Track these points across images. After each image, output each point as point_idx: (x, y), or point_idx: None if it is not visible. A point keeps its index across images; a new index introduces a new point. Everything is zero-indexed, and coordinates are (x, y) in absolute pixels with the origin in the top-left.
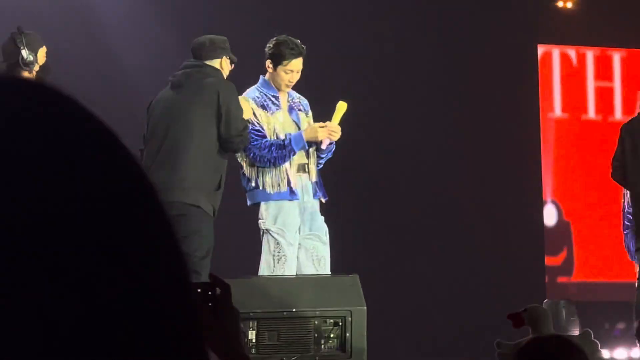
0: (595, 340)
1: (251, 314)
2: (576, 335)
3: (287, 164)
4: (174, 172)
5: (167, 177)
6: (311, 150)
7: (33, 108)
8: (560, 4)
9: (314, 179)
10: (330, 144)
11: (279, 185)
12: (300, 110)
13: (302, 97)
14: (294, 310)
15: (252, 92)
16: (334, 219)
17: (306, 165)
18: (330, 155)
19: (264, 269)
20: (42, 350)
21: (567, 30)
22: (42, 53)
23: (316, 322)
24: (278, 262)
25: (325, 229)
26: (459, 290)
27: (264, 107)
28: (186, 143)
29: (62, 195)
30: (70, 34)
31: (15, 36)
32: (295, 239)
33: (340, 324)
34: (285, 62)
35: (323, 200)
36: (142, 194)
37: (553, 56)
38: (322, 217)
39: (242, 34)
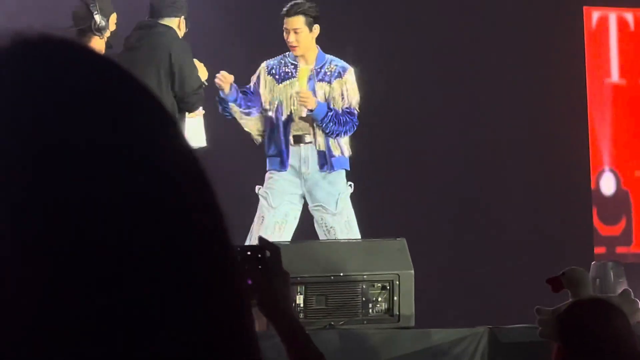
0: (636, 299)
1: (299, 278)
2: (615, 296)
3: (281, 136)
4: None
5: None
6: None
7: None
8: None
9: (322, 148)
10: (310, 110)
11: (273, 155)
12: (322, 80)
13: (340, 64)
14: (341, 274)
15: (275, 59)
16: (380, 181)
17: (305, 136)
18: (336, 124)
19: (250, 231)
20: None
21: None
22: (113, 19)
23: (364, 286)
24: (258, 223)
25: (334, 198)
26: (508, 259)
27: (273, 75)
28: None
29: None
30: None
31: (89, 1)
32: (281, 204)
33: (388, 287)
34: (285, 21)
35: (328, 174)
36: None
37: (610, 20)
38: (336, 186)
39: None
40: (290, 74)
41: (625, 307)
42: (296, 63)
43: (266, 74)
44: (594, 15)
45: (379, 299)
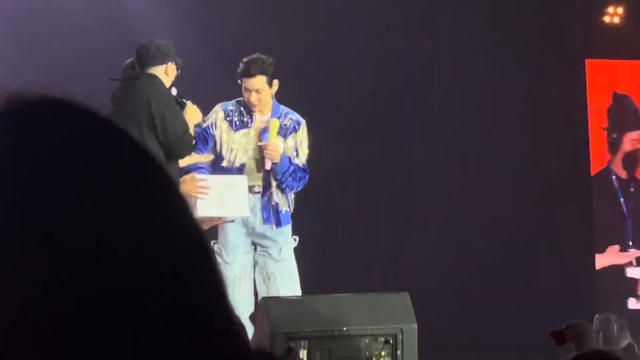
0: (639, 352)
1: (302, 333)
2: (619, 349)
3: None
4: None
5: None
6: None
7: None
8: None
9: (272, 203)
10: (275, 164)
11: None
12: (278, 134)
13: (295, 118)
14: (344, 329)
15: (232, 104)
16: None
17: (257, 186)
18: (293, 180)
19: None
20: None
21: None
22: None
23: (367, 341)
24: None
25: (278, 246)
26: (512, 306)
27: (230, 122)
28: None
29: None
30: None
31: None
32: (236, 257)
33: (392, 342)
34: (242, 80)
35: (274, 228)
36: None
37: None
38: (283, 235)
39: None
40: (246, 123)
41: None
42: (252, 112)
43: (223, 120)
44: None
45: (383, 353)
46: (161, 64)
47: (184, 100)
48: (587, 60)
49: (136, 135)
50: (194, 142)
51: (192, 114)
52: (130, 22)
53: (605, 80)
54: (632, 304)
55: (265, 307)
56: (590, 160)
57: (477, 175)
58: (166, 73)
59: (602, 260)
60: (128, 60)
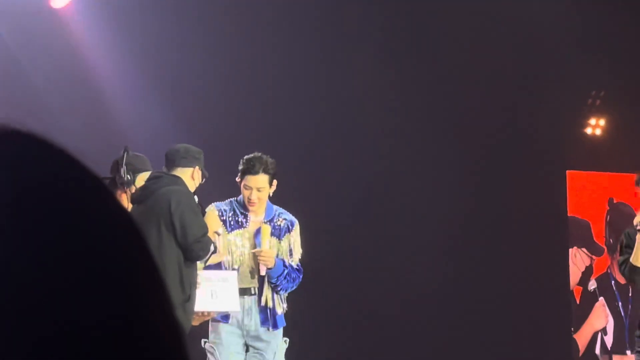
0: None
1: None
2: None
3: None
4: None
5: None
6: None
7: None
8: (589, 131)
9: (269, 305)
10: (269, 269)
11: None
12: (273, 235)
13: (288, 218)
14: None
15: (225, 204)
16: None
17: (253, 288)
18: (288, 282)
19: None
20: None
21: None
22: (143, 177)
23: None
24: None
25: (273, 349)
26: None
27: (224, 222)
28: None
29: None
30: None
31: (119, 156)
32: (228, 358)
33: None
34: (244, 178)
35: (270, 330)
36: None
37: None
38: (276, 338)
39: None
40: (241, 224)
41: None
42: (246, 213)
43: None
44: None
45: None
46: (189, 166)
47: (204, 209)
48: (568, 172)
49: (154, 233)
50: (212, 246)
51: (212, 221)
52: (119, 122)
53: (586, 190)
54: None
55: None
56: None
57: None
58: (192, 177)
59: None
60: (115, 159)
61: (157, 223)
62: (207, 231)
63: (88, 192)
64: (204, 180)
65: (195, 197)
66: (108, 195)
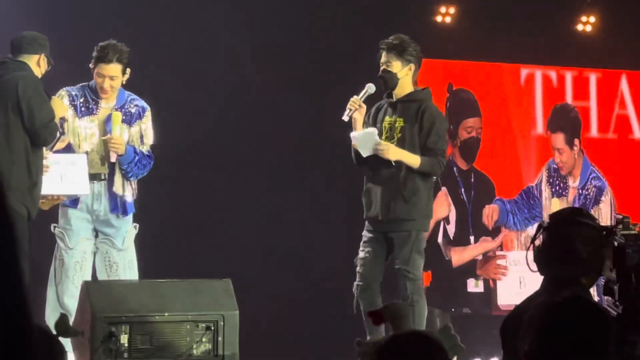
0: (456, 334)
1: (123, 317)
2: (436, 330)
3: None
4: None
5: None
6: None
7: None
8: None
9: (119, 191)
10: (120, 156)
11: None
12: (123, 122)
13: (140, 104)
14: (166, 314)
15: (77, 89)
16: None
17: (103, 174)
18: (139, 168)
19: (52, 272)
20: None
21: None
22: None
23: (188, 327)
24: (59, 265)
25: (122, 235)
26: (332, 290)
27: (75, 107)
28: None
29: None
30: None
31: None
32: (78, 243)
33: (213, 328)
34: (97, 65)
35: (120, 217)
36: None
37: (535, 77)
38: (126, 224)
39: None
40: (91, 110)
41: (446, 342)
42: (98, 99)
43: (68, 105)
44: (523, 72)
45: (204, 339)
46: (35, 53)
47: (51, 96)
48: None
49: (1, 119)
50: (58, 131)
51: (57, 107)
52: None
53: (432, 77)
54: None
55: (86, 291)
56: None
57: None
58: (38, 64)
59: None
60: None
61: (4, 108)
62: (54, 116)
63: None
64: (49, 67)
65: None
66: None
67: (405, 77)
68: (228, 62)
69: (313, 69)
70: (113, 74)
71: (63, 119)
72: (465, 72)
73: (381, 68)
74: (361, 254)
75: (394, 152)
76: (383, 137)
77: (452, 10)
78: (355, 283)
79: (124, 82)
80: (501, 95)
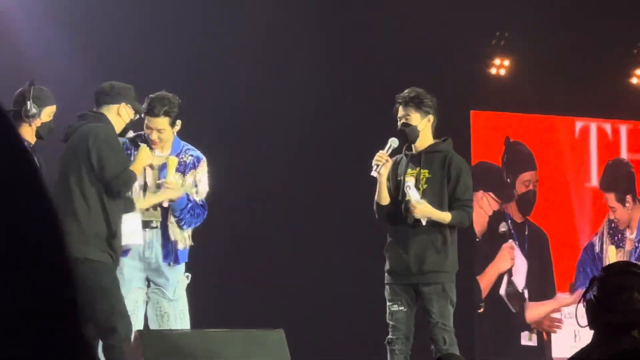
0: None
1: None
2: None
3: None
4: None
5: None
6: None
7: None
8: None
9: (171, 239)
10: (172, 201)
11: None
12: (177, 171)
13: (195, 154)
14: None
15: (131, 137)
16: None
17: (155, 221)
18: (192, 216)
19: None
20: None
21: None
22: (48, 111)
23: None
24: None
25: (173, 285)
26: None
27: (129, 156)
28: (66, 199)
29: None
30: None
31: (25, 88)
32: (129, 292)
33: None
34: (146, 117)
35: (172, 265)
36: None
37: (590, 130)
38: (177, 273)
39: None
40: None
41: None
42: (152, 149)
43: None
44: (577, 125)
45: None
46: (113, 103)
47: (139, 143)
48: (471, 112)
49: (75, 171)
50: (133, 181)
51: (144, 156)
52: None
53: (489, 130)
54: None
55: (139, 340)
56: None
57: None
58: (118, 113)
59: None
60: (18, 91)
61: (77, 160)
62: (126, 167)
63: None
64: (137, 116)
65: (131, 133)
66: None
67: (425, 128)
68: (286, 118)
69: (372, 126)
70: (160, 127)
71: (151, 167)
72: (520, 125)
73: (400, 122)
74: (394, 307)
75: (421, 210)
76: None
77: (506, 62)
78: (389, 337)
79: (175, 134)
80: (556, 148)
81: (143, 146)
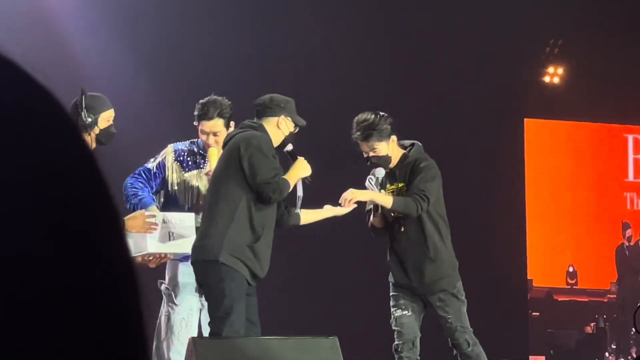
0: None
1: None
2: None
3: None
4: (199, 232)
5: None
6: None
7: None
8: None
9: None
10: None
11: None
12: None
13: None
14: None
15: (184, 144)
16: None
17: None
18: None
19: (158, 328)
20: None
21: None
22: (105, 116)
23: None
24: (165, 321)
25: None
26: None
27: (181, 162)
28: (210, 202)
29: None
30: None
31: (77, 99)
32: (184, 299)
33: None
34: (200, 123)
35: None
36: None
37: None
38: None
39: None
40: (199, 164)
41: None
42: (205, 154)
43: (173, 161)
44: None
45: None
46: (273, 116)
47: (297, 156)
48: (526, 120)
49: (225, 177)
50: (286, 190)
51: (301, 167)
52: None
53: (543, 139)
54: None
55: (193, 347)
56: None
57: None
58: (278, 126)
59: None
60: (72, 103)
61: (228, 166)
62: (278, 173)
63: (59, 133)
64: (296, 129)
65: (290, 146)
66: (78, 137)
67: (393, 150)
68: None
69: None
70: (215, 129)
71: (307, 181)
72: (572, 133)
73: (370, 156)
74: (398, 313)
75: (361, 193)
76: None
77: (560, 70)
78: (395, 343)
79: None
80: (607, 155)
81: (300, 159)
